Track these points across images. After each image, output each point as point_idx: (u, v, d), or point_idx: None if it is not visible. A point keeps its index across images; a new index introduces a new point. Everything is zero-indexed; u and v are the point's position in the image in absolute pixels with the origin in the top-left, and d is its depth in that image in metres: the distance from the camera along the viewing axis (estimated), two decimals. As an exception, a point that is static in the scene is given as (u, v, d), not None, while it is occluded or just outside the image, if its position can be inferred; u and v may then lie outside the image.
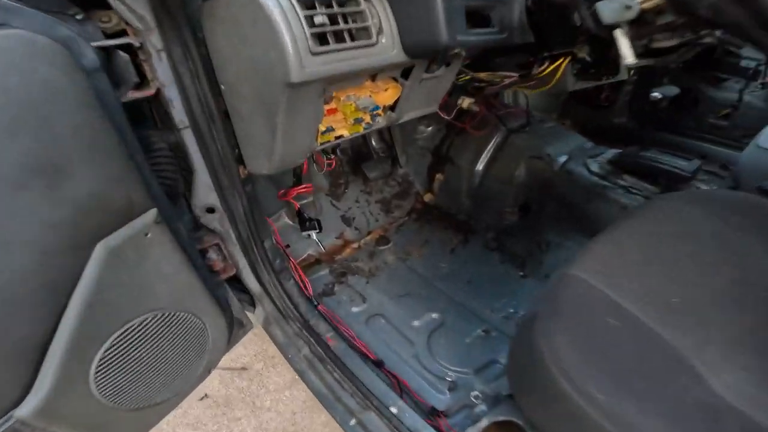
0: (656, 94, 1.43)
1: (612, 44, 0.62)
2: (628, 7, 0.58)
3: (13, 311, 0.43)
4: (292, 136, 0.62)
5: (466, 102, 1.18)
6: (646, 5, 0.56)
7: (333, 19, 0.55)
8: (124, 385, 0.59)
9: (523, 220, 1.34)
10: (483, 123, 1.38)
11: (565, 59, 0.80)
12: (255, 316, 0.98)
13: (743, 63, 1.67)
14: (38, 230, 0.42)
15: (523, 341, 0.56)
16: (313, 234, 1.06)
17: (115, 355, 0.55)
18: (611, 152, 1.31)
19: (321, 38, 0.54)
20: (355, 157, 1.41)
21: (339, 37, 0.56)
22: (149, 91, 0.62)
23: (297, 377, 1.34)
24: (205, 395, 1.29)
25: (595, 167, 1.22)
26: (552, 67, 0.80)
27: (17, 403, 0.49)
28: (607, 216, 1.14)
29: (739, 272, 0.61)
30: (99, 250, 0.47)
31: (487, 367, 0.94)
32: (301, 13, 0.52)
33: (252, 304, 0.97)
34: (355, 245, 1.30)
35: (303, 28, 0.52)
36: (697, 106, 1.73)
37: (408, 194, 1.52)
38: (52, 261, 0.44)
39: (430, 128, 1.55)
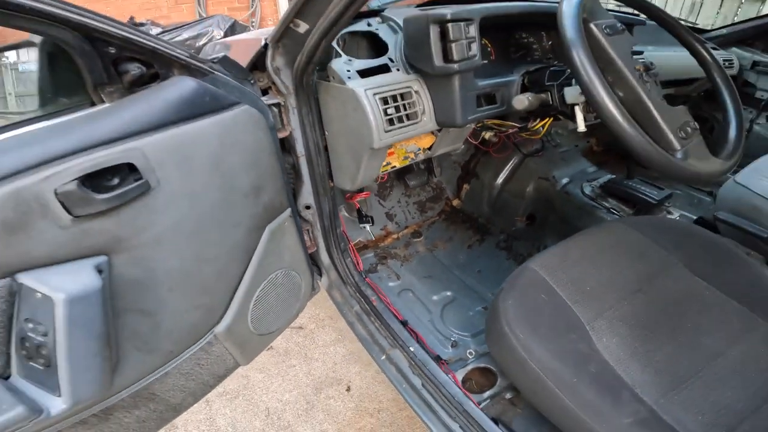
0: None
1: (571, 116, 0.97)
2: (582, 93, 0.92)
3: (233, 260, 0.83)
4: (367, 170, 1.01)
5: (487, 134, 1.52)
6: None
7: (397, 109, 0.93)
8: (261, 316, 0.95)
9: (529, 228, 1.68)
10: (504, 147, 1.72)
11: (549, 119, 1.14)
12: (321, 283, 1.40)
13: (758, 94, 1.82)
14: (249, 218, 0.83)
15: (493, 305, 0.92)
16: (368, 226, 1.46)
17: (262, 295, 0.94)
18: (606, 177, 1.62)
19: (390, 121, 0.92)
20: (401, 169, 1.79)
21: (400, 118, 0.94)
22: (286, 133, 1.01)
23: (340, 336, 1.76)
24: (271, 347, 1.69)
25: (587, 190, 1.54)
26: (540, 124, 1.15)
27: (217, 323, 0.86)
28: (590, 231, 1.46)
29: (645, 274, 0.93)
30: (267, 230, 0.88)
31: (481, 333, 1.29)
32: (380, 107, 0.90)
33: (320, 274, 1.39)
34: (395, 236, 1.69)
35: (381, 116, 0.90)
36: (712, 134, 1.90)
37: (440, 198, 1.89)
38: (250, 234, 0.84)
39: (462, 147, 1.90)
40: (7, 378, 0.58)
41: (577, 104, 0.95)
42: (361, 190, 1.36)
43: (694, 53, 1.04)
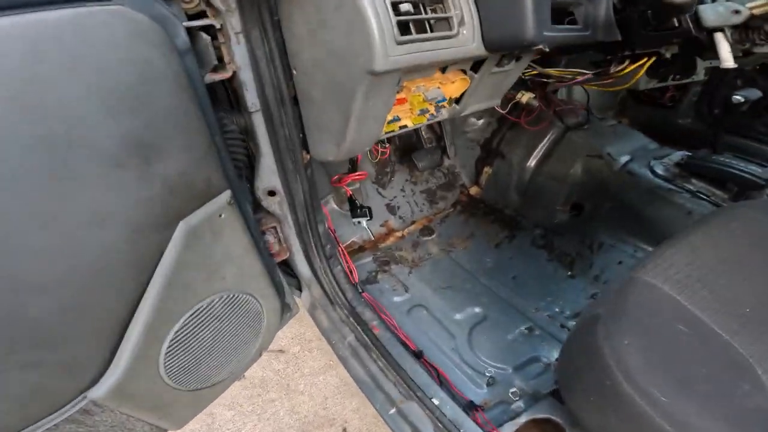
0: (739, 97, 1.31)
1: (706, 47, 0.60)
2: (737, 12, 0.56)
3: (101, 288, 0.46)
4: (363, 123, 0.62)
5: (525, 97, 1.15)
6: (757, 10, 0.53)
7: (416, 7, 0.55)
8: (188, 366, 0.62)
9: (574, 219, 1.30)
10: (538, 118, 1.33)
11: (649, 59, 0.76)
12: (300, 301, 1.01)
13: None
14: (131, 206, 0.45)
15: (581, 341, 0.55)
16: (363, 221, 1.07)
17: (183, 336, 0.58)
18: (678, 154, 1.25)
19: (404, 27, 0.54)
20: (404, 147, 1.41)
21: (420, 26, 0.55)
22: (226, 74, 0.63)
23: (331, 362, 1.38)
24: (243, 376, 1.34)
25: (660, 169, 1.16)
26: (633, 66, 0.76)
27: (91, 384, 0.51)
28: (668, 221, 1.08)
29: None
30: (180, 229, 0.50)
31: (528, 365, 0.93)
32: (387, 1, 0.51)
33: (298, 288, 0.99)
34: (399, 234, 1.31)
35: (389, 15, 0.52)
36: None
37: (453, 186, 1.51)
38: (139, 238, 0.46)
39: (481, 121, 1.51)
40: None
41: (722, 29, 0.60)
42: (353, 169, 0.96)
43: None
